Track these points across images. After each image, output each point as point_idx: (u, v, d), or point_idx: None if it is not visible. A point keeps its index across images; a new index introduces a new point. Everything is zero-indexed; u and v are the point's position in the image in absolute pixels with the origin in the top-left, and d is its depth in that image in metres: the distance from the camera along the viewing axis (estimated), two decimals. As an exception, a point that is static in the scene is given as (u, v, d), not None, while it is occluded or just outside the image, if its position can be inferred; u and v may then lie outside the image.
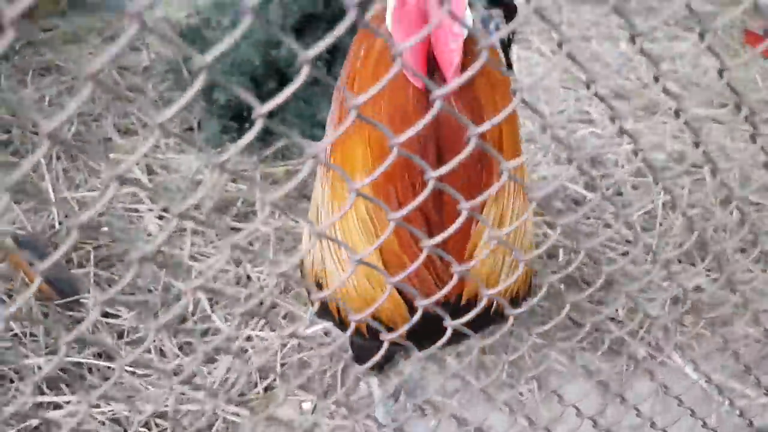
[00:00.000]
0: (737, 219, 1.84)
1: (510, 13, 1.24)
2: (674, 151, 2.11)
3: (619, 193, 1.92)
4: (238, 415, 1.19)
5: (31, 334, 1.25)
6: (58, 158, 1.68)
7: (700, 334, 1.54)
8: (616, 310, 1.58)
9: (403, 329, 0.68)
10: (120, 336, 1.30)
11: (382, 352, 0.72)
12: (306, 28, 1.79)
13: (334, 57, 1.81)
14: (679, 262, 1.74)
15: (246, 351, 1.31)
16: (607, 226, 1.80)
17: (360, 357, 1.06)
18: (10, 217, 1.49)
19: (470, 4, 1.15)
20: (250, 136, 0.47)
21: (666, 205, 1.87)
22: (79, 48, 2.22)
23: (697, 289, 1.64)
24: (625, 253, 1.71)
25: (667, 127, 2.25)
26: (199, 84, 0.43)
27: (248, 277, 1.46)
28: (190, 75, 1.96)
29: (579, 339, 1.46)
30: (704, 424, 1.19)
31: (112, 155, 1.71)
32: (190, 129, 1.87)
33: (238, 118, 1.83)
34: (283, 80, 1.76)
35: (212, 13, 1.94)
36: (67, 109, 0.37)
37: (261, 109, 0.46)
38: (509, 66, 1.35)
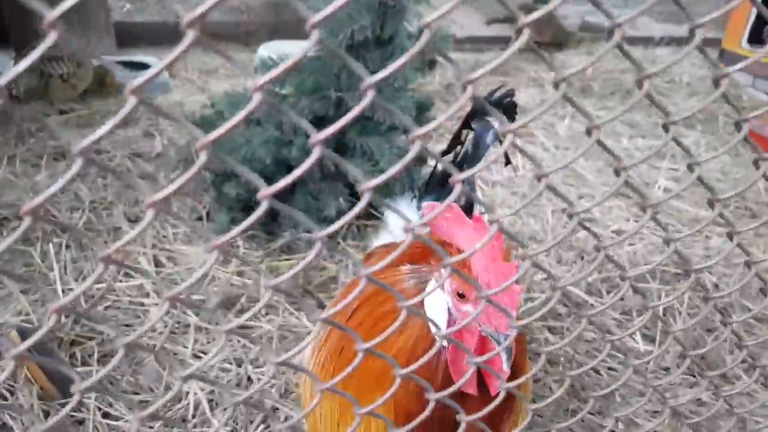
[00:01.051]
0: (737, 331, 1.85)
1: (510, 113, 1.30)
2: (675, 253, 2.14)
3: (621, 299, 1.93)
4: None
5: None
6: (68, 247, 1.71)
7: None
8: (617, 420, 1.56)
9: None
10: (118, 439, 1.28)
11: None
12: (316, 128, 1.86)
13: (343, 155, 1.87)
14: (677, 367, 1.73)
15: (244, 459, 1.28)
16: (609, 332, 1.81)
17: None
18: (16, 308, 1.49)
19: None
20: (256, 215, 0.50)
21: (667, 311, 1.88)
22: (93, 132, 2.28)
23: (699, 402, 1.63)
24: (622, 363, 1.71)
25: (669, 228, 2.29)
26: (200, 162, 0.46)
27: (249, 378, 1.45)
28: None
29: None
30: None
31: (119, 244, 1.73)
32: (200, 219, 1.90)
33: (247, 210, 1.87)
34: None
35: (226, 107, 2.03)
36: (54, 188, 0.39)
37: (267, 191, 0.49)
38: (507, 162, 1.40)
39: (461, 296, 0.81)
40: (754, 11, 3.68)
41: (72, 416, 1.29)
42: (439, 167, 1.35)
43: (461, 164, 1.23)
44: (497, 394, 0.78)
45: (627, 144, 2.91)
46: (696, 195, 2.52)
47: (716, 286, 2.01)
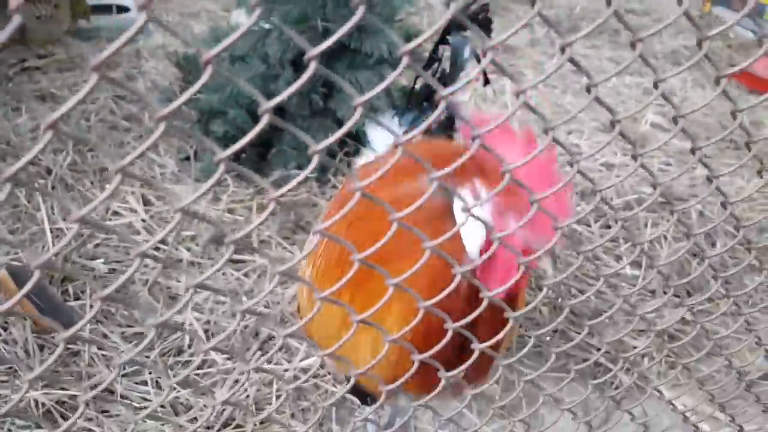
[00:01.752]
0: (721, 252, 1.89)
1: (486, 28, 1.29)
2: (662, 183, 2.16)
3: (608, 226, 1.96)
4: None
5: (28, 368, 1.24)
6: (53, 188, 1.69)
7: (684, 366, 1.57)
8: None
9: (403, 379, 0.71)
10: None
11: (381, 400, 0.74)
12: (304, 63, 1.83)
13: (331, 90, 1.85)
14: (665, 293, 1.77)
15: (242, 383, 1.31)
16: (596, 258, 1.84)
17: (356, 393, 1.08)
18: (4, 249, 1.49)
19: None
20: (256, 130, 0.49)
21: (653, 239, 1.91)
22: (74, 75, 2.23)
23: (683, 321, 1.67)
24: (612, 286, 1.75)
25: (655, 161, 2.31)
26: (206, 77, 0.45)
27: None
28: (187, 104, 1.99)
29: (567, 369, 1.49)
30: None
31: (108, 186, 1.72)
32: (187, 159, 1.88)
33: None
34: (281, 114, 1.79)
35: (209, 44, 1.98)
36: (68, 103, 0.38)
37: (268, 105, 0.48)
38: (486, 81, 1.40)
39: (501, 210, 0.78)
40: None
41: (67, 348, 1.30)
42: (418, 85, 1.34)
43: (440, 81, 1.23)
44: (505, 323, 0.77)
45: (615, 81, 2.89)
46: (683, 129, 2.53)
47: (701, 213, 2.04)
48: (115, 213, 1.66)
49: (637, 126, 2.55)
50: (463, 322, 0.71)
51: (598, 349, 1.58)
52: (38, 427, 1.17)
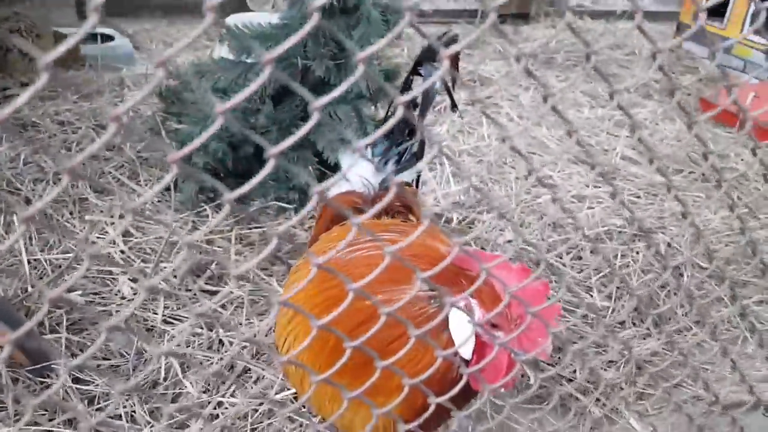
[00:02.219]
0: (685, 283, 1.96)
1: (454, 59, 1.36)
2: (630, 217, 2.23)
3: (579, 257, 2.01)
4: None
5: (0, 402, 1.24)
6: (32, 219, 1.70)
7: (651, 394, 1.61)
8: (574, 371, 1.64)
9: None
10: (91, 402, 1.30)
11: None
12: (283, 97, 1.88)
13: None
14: (633, 324, 1.83)
15: (217, 416, 1.32)
16: (569, 290, 1.89)
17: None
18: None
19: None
20: (264, 172, 0.51)
21: (623, 267, 1.97)
22: (55, 104, 2.25)
23: (652, 353, 1.72)
24: (583, 316, 1.79)
25: (625, 193, 2.39)
26: (217, 125, 0.47)
27: (220, 342, 1.48)
28: (168, 134, 2.02)
29: (539, 399, 1.52)
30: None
31: (87, 217, 1.73)
32: (167, 189, 1.90)
33: (216, 179, 1.89)
34: (259, 147, 1.82)
35: (191, 76, 2.02)
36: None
37: (275, 150, 0.51)
38: (454, 106, 1.47)
39: (493, 325, 0.86)
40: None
41: (41, 382, 1.30)
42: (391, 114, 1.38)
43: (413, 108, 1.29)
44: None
45: (588, 114, 2.99)
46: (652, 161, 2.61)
47: (669, 245, 2.11)
48: (94, 243, 1.67)
49: (609, 158, 2.64)
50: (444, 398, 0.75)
51: (570, 380, 1.63)
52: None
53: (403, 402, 0.72)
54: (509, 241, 2.02)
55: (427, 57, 1.37)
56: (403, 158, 1.42)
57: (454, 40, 1.36)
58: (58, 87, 2.20)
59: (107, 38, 2.59)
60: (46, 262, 1.57)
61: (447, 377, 0.88)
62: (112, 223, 1.73)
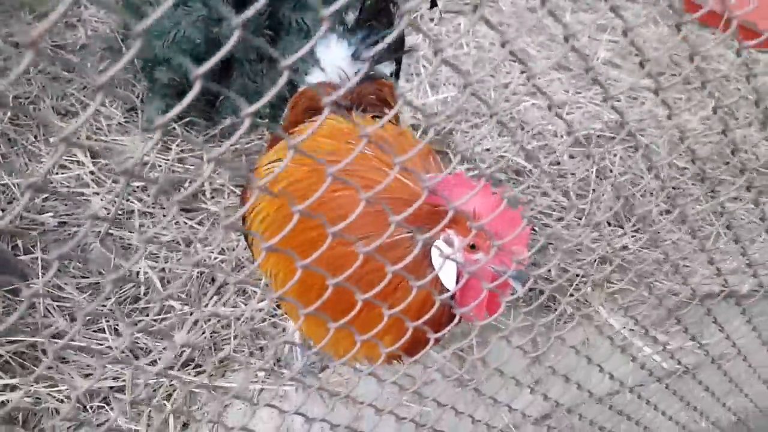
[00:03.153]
0: (660, 184, 1.97)
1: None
2: (610, 120, 2.21)
3: (557, 163, 2.01)
4: (195, 384, 1.23)
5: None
6: (-5, 142, 1.65)
7: (624, 289, 1.66)
8: (549, 270, 1.68)
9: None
10: (72, 319, 1.31)
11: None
12: (247, 3, 1.78)
13: (277, 33, 1.81)
14: (609, 225, 1.85)
15: (200, 326, 1.34)
16: (545, 194, 1.90)
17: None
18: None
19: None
20: (189, 97, 0.48)
21: (600, 172, 1.97)
22: (7, 25, 2.13)
23: (624, 248, 1.76)
24: (560, 219, 1.81)
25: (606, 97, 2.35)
26: (134, 51, 0.44)
27: (197, 255, 1.48)
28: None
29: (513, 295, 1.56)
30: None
31: (51, 139, 1.68)
32: (133, 109, 1.84)
33: (181, 96, 1.82)
34: (227, 61, 1.75)
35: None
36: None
37: (199, 71, 0.48)
38: (433, 3, 1.38)
39: (472, 247, 0.86)
40: None
41: (21, 301, 1.31)
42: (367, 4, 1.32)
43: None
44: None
45: (569, 19, 2.89)
46: (632, 64, 2.57)
47: (646, 146, 2.10)
48: (63, 167, 1.63)
49: (588, 63, 2.57)
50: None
51: (545, 279, 1.66)
52: (-3, 378, 1.19)
53: (393, 335, 0.74)
54: (488, 150, 2.00)
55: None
56: (381, 48, 1.36)
57: None
58: (9, 6, 2.08)
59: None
60: (15, 186, 1.54)
61: (426, 307, 0.88)
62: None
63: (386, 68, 1.35)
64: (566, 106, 2.27)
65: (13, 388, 1.16)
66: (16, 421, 1.14)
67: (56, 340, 1.24)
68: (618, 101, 2.36)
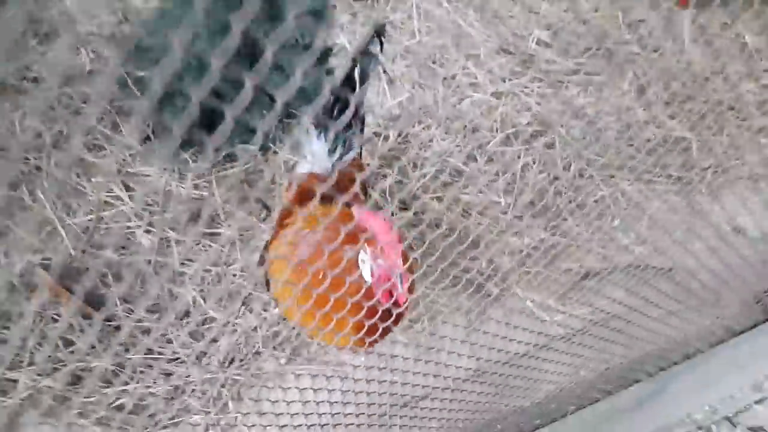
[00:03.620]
0: (575, 179, 2.53)
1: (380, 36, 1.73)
2: (537, 112, 2.69)
3: (491, 159, 2.53)
4: (239, 375, 1.87)
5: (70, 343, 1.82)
6: (43, 186, 2.08)
7: (538, 272, 2.30)
8: (475, 259, 2.29)
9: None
10: (147, 333, 1.89)
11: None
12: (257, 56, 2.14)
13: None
14: (533, 217, 2.44)
15: (236, 331, 1.95)
16: (480, 192, 2.44)
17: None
18: (31, 248, 1.95)
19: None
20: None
21: (524, 167, 2.51)
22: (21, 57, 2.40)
23: (541, 240, 2.37)
24: (480, 214, 2.38)
25: (536, 87, 2.79)
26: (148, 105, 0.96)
27: (226, 275, 2.04)
28: (134, 83, 2.28)
29: (454, 285, 2.18)
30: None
31: (93, 180, 2.12)
32: (148, 138, 2.25)
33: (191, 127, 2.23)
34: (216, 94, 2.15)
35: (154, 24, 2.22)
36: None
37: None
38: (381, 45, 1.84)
39: (376, 257, 1.40)
40: None
41: (109, 324, 1.87)
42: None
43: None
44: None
45: (514, -14, 3.19)
46: (566, 44, 2.97)
47: (562, 137, 2.62)
48: (107, 203, 2.09)
49: (525, 44, 2.96)
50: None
51: (480, 274, 2.28)
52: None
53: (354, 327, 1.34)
54: (436, 152, 2.50)
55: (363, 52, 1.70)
56: (348, 140, 1.83)
57: (383, 27, 1.69)
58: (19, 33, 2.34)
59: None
60: (76, 226, 2.02)
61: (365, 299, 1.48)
62: (114, 182, 2.13)
63: (353, 153, 1.82)
64: (503, 97, 2.73)
65: (122, 391, 1.77)
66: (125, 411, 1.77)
67: (144, 356, 1.84)
68: (549, 89, 2.81)
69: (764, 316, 2.45)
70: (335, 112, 1.76)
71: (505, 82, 2.78)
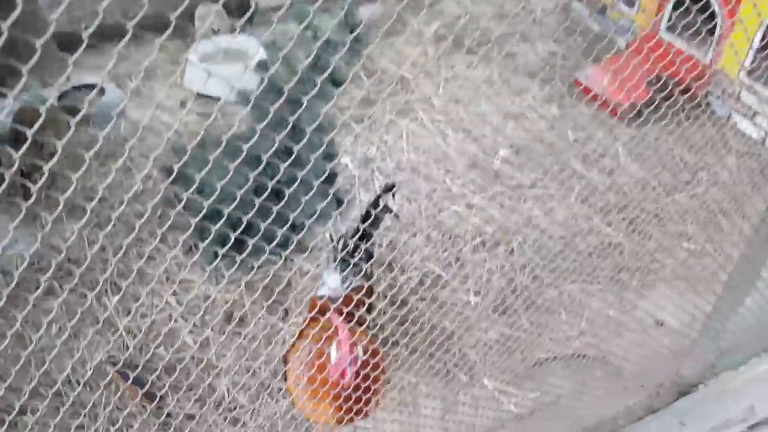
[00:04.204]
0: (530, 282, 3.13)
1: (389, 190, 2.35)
2: (500, 222, 3.31)
3: (463, 265, 3.13)
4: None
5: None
6: (106, 293, 2.60)
7: (499, 362, 2.89)
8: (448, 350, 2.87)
9: None
10: (191, 418, 2.41)
11: None
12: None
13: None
14: (504, 313, 3.03)
15: (259, 415, 2.48)
16: (453, 291, 3.04)
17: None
18: (106, 348, 2.46)
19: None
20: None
21: (489, 271, 3.12)
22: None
23: (502, 335, 2.96)
24: (460, 313, 2.97)
25: (504, 199, 3.41)
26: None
27: (252, 368, 2.58)
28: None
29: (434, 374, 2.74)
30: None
31: (148, 288, 2.65)
32: (190, 249, 2.80)
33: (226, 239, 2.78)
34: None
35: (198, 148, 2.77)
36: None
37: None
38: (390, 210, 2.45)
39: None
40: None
41: (160, 408, 2.39)
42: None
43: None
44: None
45: (483, 106, 3.85)
46: (525, 160, 3.62)
47: (520, 245, 3.24)
48: (157, 308, 2.62)
49: (492, 160, 3.59)
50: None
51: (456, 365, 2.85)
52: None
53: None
54: (420, 258, 3.09)
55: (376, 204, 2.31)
56: (356, 269, 2.41)
57: (393, 186, 2.31)
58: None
59: (92, 87, 3.13)
60: (136, 329, 2.54)
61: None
62: (165, 289, 2.66)
63: (359, 280, 2.40)
64: (473, 209, 3.35)
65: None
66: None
67: (194, 437, 2.36)
68: (510, 199, 3.44)
69: (676, 396, 3.08)
70: (351, 251, 2.35)
71: (475, 195, 3.40)
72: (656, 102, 2.86)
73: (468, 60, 4.06)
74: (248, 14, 3.02)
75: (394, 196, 2.35)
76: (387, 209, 2.35)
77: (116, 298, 2.57)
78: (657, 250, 3.50)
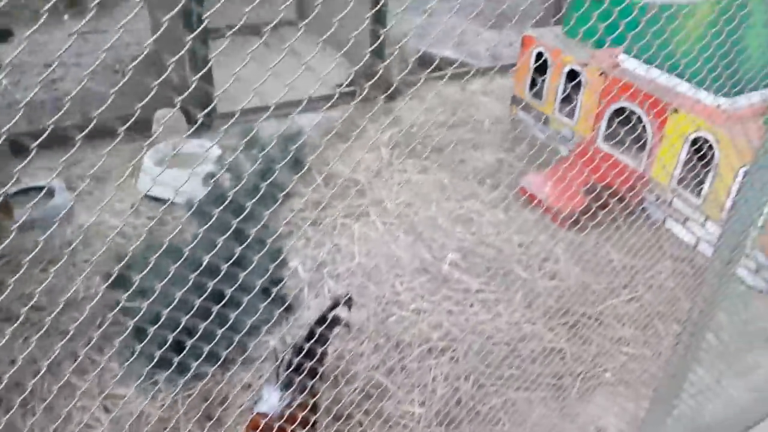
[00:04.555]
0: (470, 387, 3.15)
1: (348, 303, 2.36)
2: (447, 328, 3.35)
3: (408, 374, 3.13)
4: None
5: None
6: (33, 414, 2.49)
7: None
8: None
9: None
10: None
11: None
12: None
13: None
14: (449, 425, 3.01)
15: None
16: (399, 402, 3.02)
17: None
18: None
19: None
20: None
21: (434, 379, 3.12)
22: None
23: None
24: (406, 426, 2.95)
25: (450, 305, 3.48)
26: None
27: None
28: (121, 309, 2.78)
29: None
30: None
31: (79, 404, 2.55)
32: (126, 360, 2.72)
33: (162, 346, 2.73)
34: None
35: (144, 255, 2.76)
36: None
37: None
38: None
39: None
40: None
41: None
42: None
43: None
44: None
45: (434, 210, 3.99)
46: (472, 265, 3.72)
47: (465, 352, 3.28)
48: (87, 426, 2.52)
49: (441, 265, 3.69)
50: None
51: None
52: None
53: None
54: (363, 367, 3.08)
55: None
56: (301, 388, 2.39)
57: (350, 299, 2.33)
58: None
59: (39, 189, 3.12)
60: (62, 449, 2.42)
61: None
62: (96, 406, 2.57)
63: (302, 397, 2.37)
64: (420, 314, 3.39)
65: None
66: None
67: None
68: (457, 305, 3.51)
69: None
70: (296, 369, 2.33)
71: (423, 299, 3.46)
72: (592, 210, 3.03)
73: (421, 165, 4.24)
74: (201, 120, 3.12)
75: (350, 307, 2.38)
76: (338, 320, 2.37)
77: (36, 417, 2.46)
78: (598, 354, 3.59)
